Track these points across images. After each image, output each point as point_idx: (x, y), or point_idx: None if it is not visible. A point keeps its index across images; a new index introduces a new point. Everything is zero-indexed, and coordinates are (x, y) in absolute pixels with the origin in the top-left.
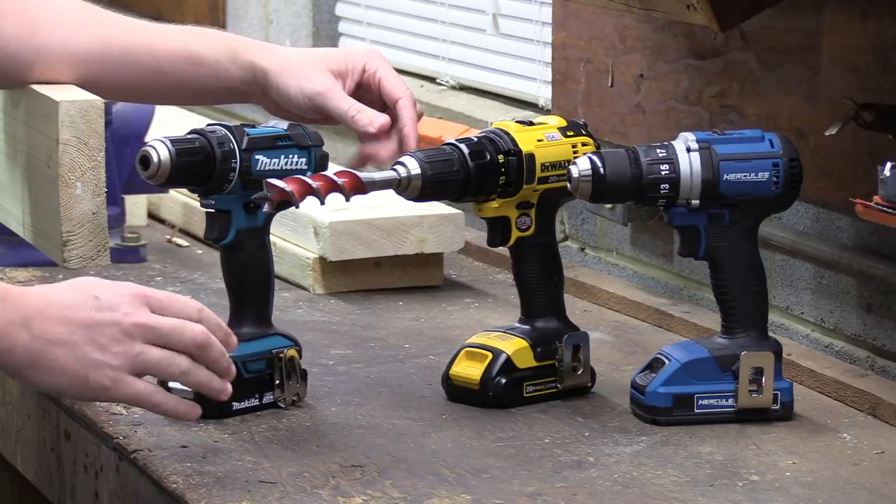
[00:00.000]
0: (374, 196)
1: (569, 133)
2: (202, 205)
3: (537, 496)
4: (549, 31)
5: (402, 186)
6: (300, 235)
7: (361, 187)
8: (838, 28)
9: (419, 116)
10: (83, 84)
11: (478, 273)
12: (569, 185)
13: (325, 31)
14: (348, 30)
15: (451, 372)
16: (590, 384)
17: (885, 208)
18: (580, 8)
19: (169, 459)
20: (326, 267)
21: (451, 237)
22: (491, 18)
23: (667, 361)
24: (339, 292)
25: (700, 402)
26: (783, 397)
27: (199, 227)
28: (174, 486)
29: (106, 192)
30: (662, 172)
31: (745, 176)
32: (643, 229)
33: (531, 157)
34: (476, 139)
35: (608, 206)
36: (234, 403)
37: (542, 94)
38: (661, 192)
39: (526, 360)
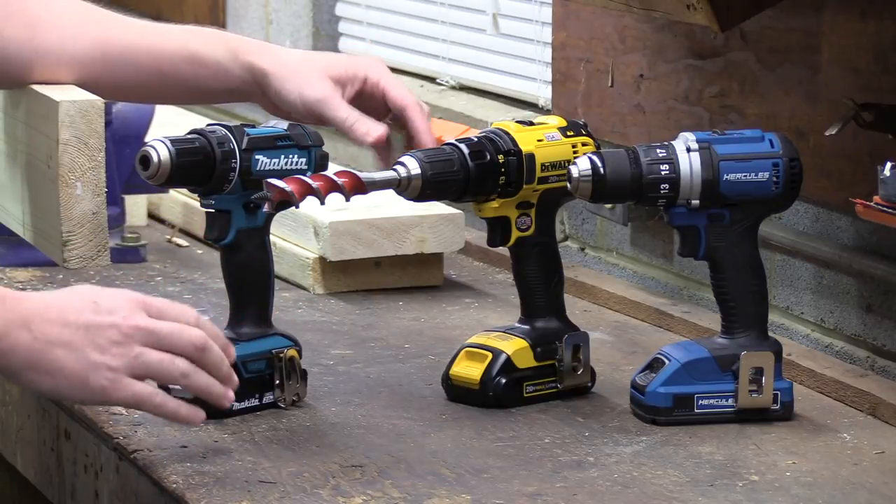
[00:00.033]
0: (374, 196)
1: (569, 133)
2: (202, 205)
3: (537, 496)
4: (549, 31)
5: (402, 186)
6: (300, 235)
7: (361, 187)
8: (838, 28)
9: (427, 117)
10: (83, 84)
11: (478, 273)
12: (569, 185)
13: (325, 31)
14: (348, 30)
15: (451, 372)
16: (590, 384)
17: (885, 208)
18: (580, 8)
19: (169, 459)
20: (326, 267)
21: (451, 237)
22: (491, 18)
23: (667, 361)
24: (339, 292)
25: (700, 402)
26: (783, 397)
27: (199, 227)
28: (174, 486)
29: (106, 192)
30: (662, 172)
31: (745, 176)
32: (643, 229)
33: (531, 157)
34: (476, 139)
35: (608, 206)
36: (234, 403)
37: (542, 94)
38: (661, 192)
39: (526, 360)
